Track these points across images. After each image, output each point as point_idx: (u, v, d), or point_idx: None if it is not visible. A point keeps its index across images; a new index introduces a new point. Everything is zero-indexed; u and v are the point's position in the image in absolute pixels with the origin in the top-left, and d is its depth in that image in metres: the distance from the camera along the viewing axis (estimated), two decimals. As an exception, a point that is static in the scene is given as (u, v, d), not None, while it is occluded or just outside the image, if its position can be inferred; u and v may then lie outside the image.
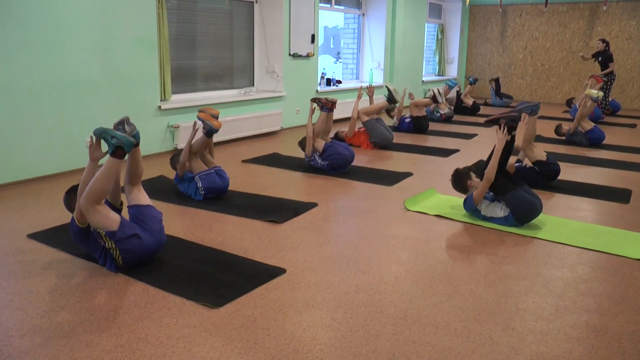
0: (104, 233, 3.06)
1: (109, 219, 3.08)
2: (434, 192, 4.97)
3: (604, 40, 10.62)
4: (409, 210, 4.52)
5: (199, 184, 4.58)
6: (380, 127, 7.07)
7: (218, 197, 4.70)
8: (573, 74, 13.03)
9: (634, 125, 8.11)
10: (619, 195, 5.03)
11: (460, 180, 4.42)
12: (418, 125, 8.39)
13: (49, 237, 3.75)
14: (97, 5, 5.56)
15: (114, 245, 3.08)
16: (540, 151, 5.26)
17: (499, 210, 4.14)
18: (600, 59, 10.68)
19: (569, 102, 10.05)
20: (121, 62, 5.90)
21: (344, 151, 5.66)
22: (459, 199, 4.80)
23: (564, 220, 4.29)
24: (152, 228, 3.25)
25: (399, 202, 4.73)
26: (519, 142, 5.12)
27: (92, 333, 2.52)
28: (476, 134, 8.39)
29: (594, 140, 7.58)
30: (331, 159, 5.62)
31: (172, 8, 6.78)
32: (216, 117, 4.67)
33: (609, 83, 10.76)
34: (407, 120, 8.51)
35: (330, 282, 3.10)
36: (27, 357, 2.33)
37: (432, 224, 4.20)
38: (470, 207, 4.27)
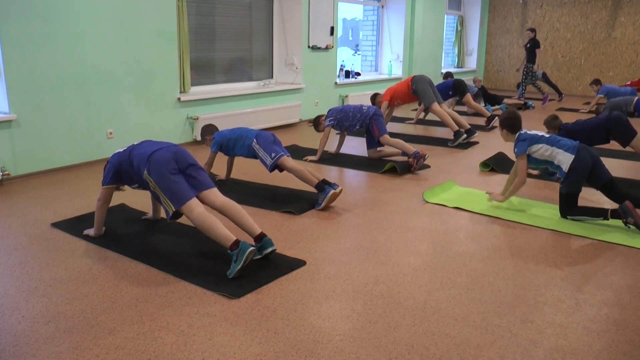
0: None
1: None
2: (453, 184, 4.95)
3: (532, 30, 10.92)
4: (427, 202, 4.51)
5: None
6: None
7: (238, 186, 4.80)
8: (594, 66, 12.84)
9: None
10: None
11: None
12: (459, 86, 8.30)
13: (72, 225, 3.82)
14: (118, -2, 5.62)
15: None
16: None
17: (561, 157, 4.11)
18: (528, 46, 10.90)
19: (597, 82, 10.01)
20: (141, 54, 5.96)
21: None
22: (478, 191, 4.79)
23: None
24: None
25: (417, 194, 4.73)
26: None
27: (115, 321, 2.57)
28: (495, 127, 8.34)
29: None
30: None
31: (191, 0, 6.81)
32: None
33: (529, 72, 10.83)
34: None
35: (349, 274, 3.12)
36: (52, 342, 2.38)
37: (451, 216, 4.19)
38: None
